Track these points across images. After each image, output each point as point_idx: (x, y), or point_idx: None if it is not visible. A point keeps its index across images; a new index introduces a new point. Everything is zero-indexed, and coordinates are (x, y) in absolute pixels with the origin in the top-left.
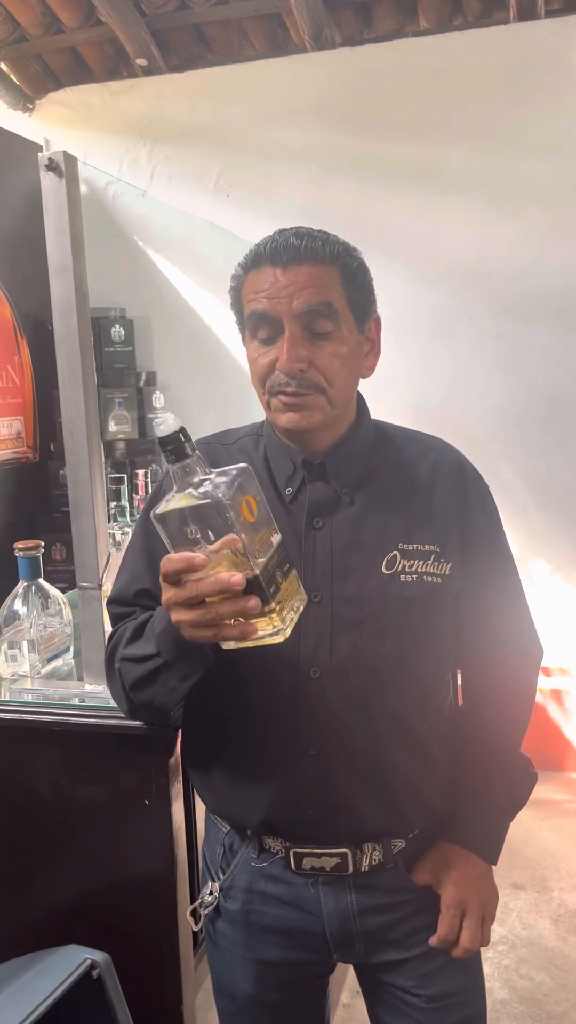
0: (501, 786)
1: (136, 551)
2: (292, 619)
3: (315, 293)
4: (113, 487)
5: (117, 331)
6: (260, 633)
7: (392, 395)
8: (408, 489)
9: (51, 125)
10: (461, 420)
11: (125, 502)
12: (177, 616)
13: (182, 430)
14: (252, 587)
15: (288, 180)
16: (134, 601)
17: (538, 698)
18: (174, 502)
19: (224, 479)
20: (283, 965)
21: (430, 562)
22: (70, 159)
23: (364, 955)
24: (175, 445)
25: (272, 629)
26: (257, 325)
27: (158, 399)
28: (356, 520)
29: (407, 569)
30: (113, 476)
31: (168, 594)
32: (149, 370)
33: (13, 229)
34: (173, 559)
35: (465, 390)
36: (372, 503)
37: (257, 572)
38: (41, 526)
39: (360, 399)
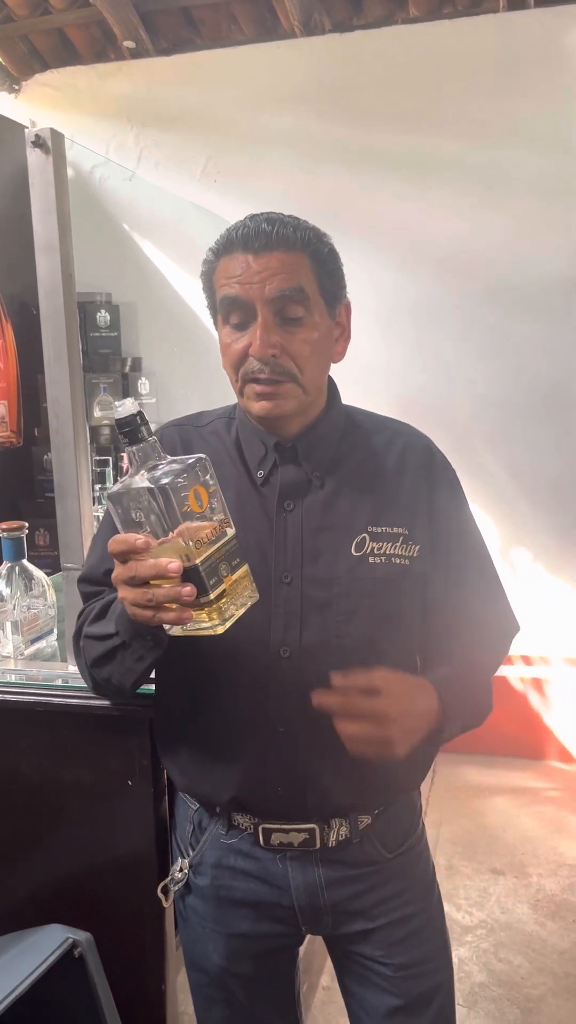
0: (473, 683)
1: (105, 531)
2: (234, 615)
3: (287, 279)
4: (98, 470)
5: (103, 316)
6: (197, 624)
7: (377, 385)
8: (378, 473)
9: (37, 107)
10: (446, 410)
11: (110, 484)
12: (122, 593)
13: (139, 414)
14: (190, 576)
15: (276, 167)
16: (103, 580)
17: (519, 687)
18: (124, 485)
19: (176, 466)
20: (253, 938)
21: (398, 544)
22: (57, 136)
23: (332, 927)
24: (131, 428)
25: (208, 622)
26: (229, 310)
27: (144, 385)
28: (326, 503)
29: (376, 551)
30: (98, 459)
31: (115, 571)
32: (135, 356)
33: None
34: (117, 539)
35: (450, 380)
36: (342, 486)
37: (197, 563)
38: (25, 511)
39: (331, 384)
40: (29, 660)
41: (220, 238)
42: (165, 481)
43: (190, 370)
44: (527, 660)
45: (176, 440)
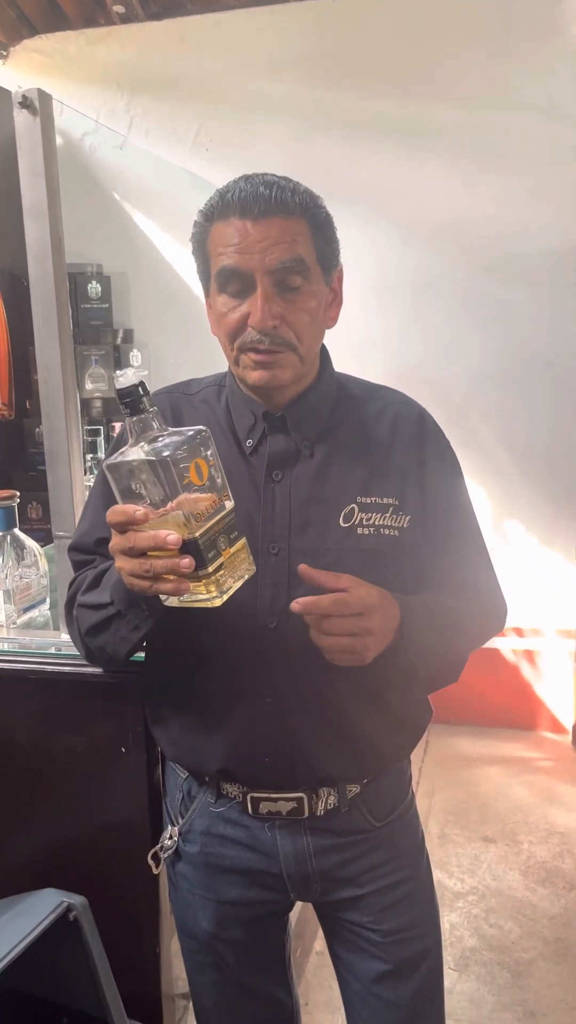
0: (459, 617)
1: (97, 499)
2: (232, 588)
3: (287, 249)
4: (89, 439)
5: (94, 287)
6: (195, 596)
7: (372, 356)
8: (368, 442)
9: (25, 73)
10: (441, 381)
11: (102, 454)
12: (119, 563)
13: (141, 384)
14: (189, 548)
15: (269, 135)
16: (95, 549)
17: (511, 658)
18: (125, 455)
19: (177, 438)
20: (242, 904)
21: (388, 515)
22: (44, 96)
23: (321, 894)
24: (132, 399)
25: (206, 594)
26: (227, 280)
27: (135, 357)
28: (316, 473)
29: (364, 522)
30: (89, 429)
31: (113, 541)
32: (126, 327)
33: None
34: (116, 511)
35: (446, 351)
36: (332, 456)
37: (196, 535)
38: (17, 484)
39: (324, 352)
40: (22, 629)
41: (212, 200)
42: (166, 453)
43: (182, 341)
44: (519, 632)
45: (166, 407)
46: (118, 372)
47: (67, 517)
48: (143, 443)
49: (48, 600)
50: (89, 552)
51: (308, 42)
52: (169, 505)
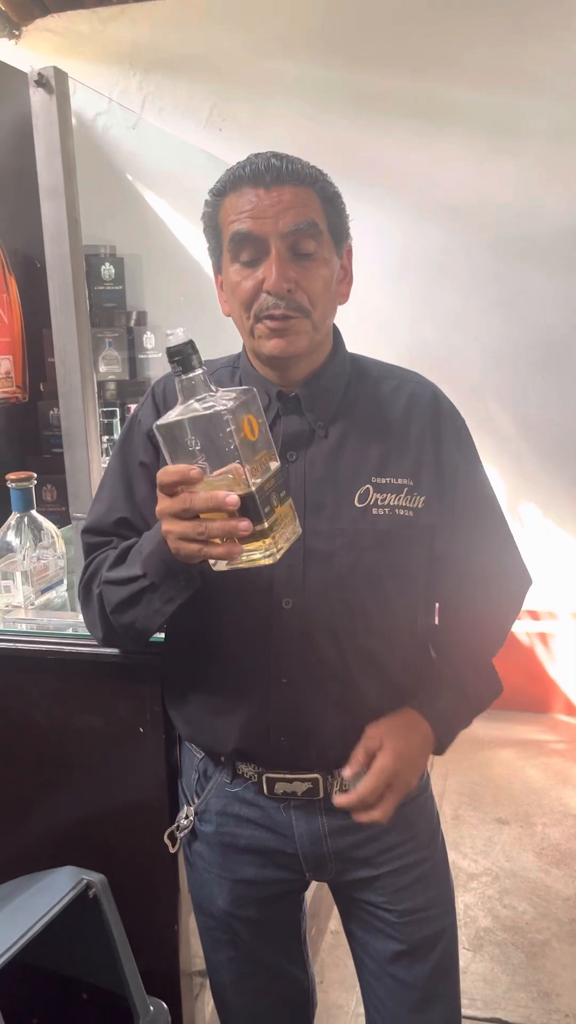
0: (470, 683)
1: (114, 479)
2: (283, 547)
3: (300, 213)
4: (105, 421)
5: (107, 269)
6: (250, 555)
7: (385, 337)
8: (383, 423)
9: (38, 53)
10: (455, 362)
11: (117, 436)
12: (168, 526)
13: (191, 342)
14: (246, 505)
15: (283, 114)
16: (113, 531)
17: (525, 641)
18: (177, 414)
19: (229, 395)
20: (258, 883)
21: (403, 496)
22: (60, 75)
23: (336, 874)
24: (183, 356)
25: (264, 550)
26: (240, 246)
27: (149, 339)
28: (330, 454)
29: (379, 503)
30: (105, 410)
31: (162, 504)
32: (140, 310)
33: (0, 162)
34: (169, 470)
35: (461, 332)
36: (346, 437)
37: (252, 490)
38: (32, 467)
39: (336, 332)
40: (39, 610)
41: (224, 177)
42: (223, 408)
43: (196, 324)
44: (534, 615)
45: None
46: (169, 332)
47: (84, 499)
48: (193, 402)
49: (65, 581)
50: (106, 533)
51: (323, 21)
52: (225, 468)
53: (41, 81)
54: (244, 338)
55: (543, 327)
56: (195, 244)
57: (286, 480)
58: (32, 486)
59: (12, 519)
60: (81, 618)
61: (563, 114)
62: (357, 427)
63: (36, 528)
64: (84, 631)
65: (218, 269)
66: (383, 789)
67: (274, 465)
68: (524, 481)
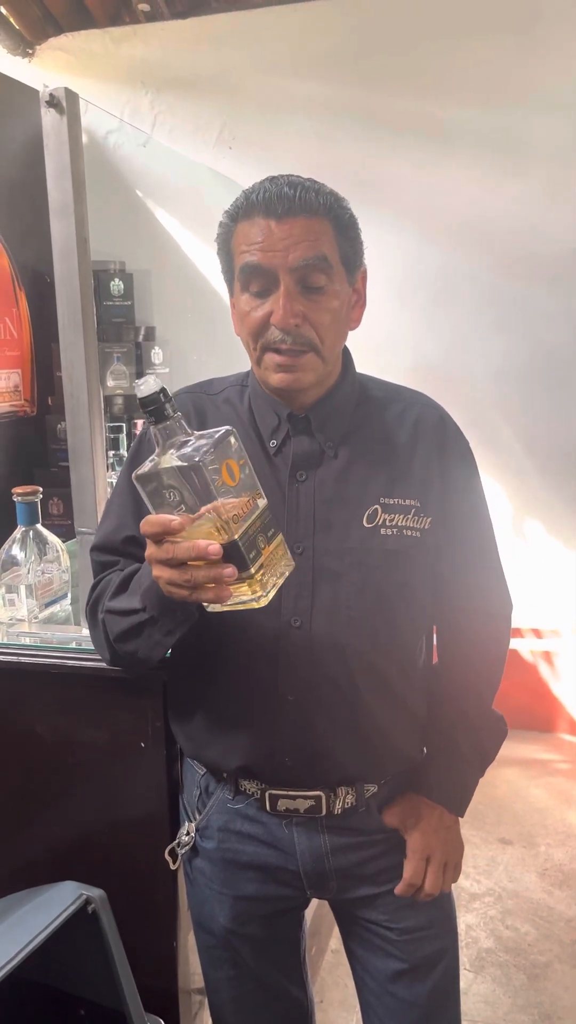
0: (469, 742)
1: (122, 498)
2: (275, 584)
3: (310, 247)
4: (112, 436)
5: (116, 285)
6: (239, 598)
7: (392, 355)
8: (391, 444)
9: (51, 71)
10: (461, 381)
11: (124, 451)
12: (156, 572)
13: (163, 391)
14: (230, 553)
15: (292, 133)
16: (122, 549)
17: (529, 659)
18: (154, 464)
19: (205, 442)
20: (259, 900)
21: (410, 516)
22: (71, 95)
23: (338, 891)
24: (156, 406)
25: (251, 595)
26: (250, 278)
27: (157, 354)
28: (339, 474)
29: (388, 523)
30: (112, 426)
31: (149, 550)
32: (148, 325)
33: (11, 177)
34: (151, 521)
35: (466, 350)
36: (355, 457)
37: (236, 538)
38: (39, 480)
39: (346, 353)
40: (43, 623)
41: (237, 201)
42: (197, 459)
43: (204, 339)
44: (537, 632)
45: (189, 408)
46: (138, 380)
47: (90, 514)
48: (171, 450)
49: (69, 595)
50: (114, 552)
51: (332, 40)
52: (202, 509)
53: (52, 102)
54: (252, 365)
55: (547, 345)
56: (204, 260)
57: (279, 513)
58: (38, 500)
59: (17, 533)
60: (84, 632)
61: (568, 134)
62: (366, 448)
63: (41, 542)
64: (87, 645)
65: (230, 292)
66: (424, 865)
67: (261, 503)
68: (528, 498)
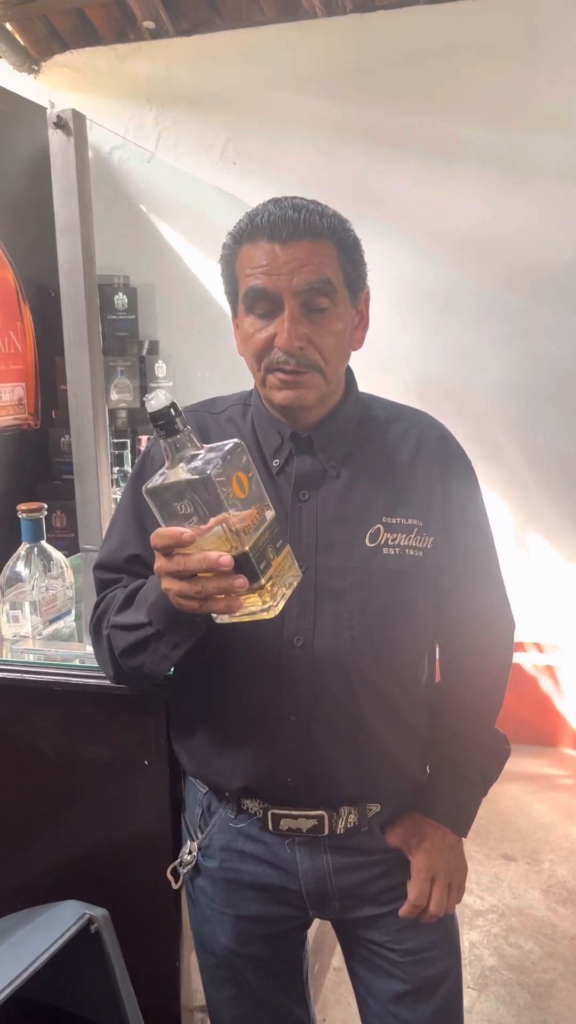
0: (472, 763)
1: (125, 516)
2: (284, 595)
3: (314, 270)
4: (116, 452)
5: (120, 299)
6: (249, 608)
7: (395, 370)
8: (393, 463)
9: (56, 88)
10: (464, 395)
11: (128, 467)
12: (166, 584)
13: (172, 405)
14: (241, 564)
15: (296, 150)
16: (125, 567)
17: (532, 673)
18: (164, 477)
19: (215, 455)
20: (261, 920)
21: (412, 536)
22: (79, 117)
23: (340, 911)
24: (166, 420)
25: (262, 605)
26: (254, 301)
27: (161, 368)
28: (342, 493)
29: (390, 542)
30: (116, 442)
31: (159, 563)
32: (152, 339)
33: (17, 193)
34: (162, 534)
35: (469, 365)
36: (357, 477)
37: (246, 549)
38: (42, 493)
39: (349, 373)
40: (47, 640)
41: (241, 223)
42: (208, 471)
43: (207, 353)
44: (540, 647)
45: (192, 426)
46: (147, 396)
47: (94, 531)
48: (181, 464)
49: (73, 611)
50: (118, 571)
51: (335, 58)
52: (212, 521)
53: (60, 123)
54: (256, 385)
55: (551, 360)
56: (207, 275)
57: (283, 528)
58: (43, 516)
59: (22, 549)
60: (88, 649)
61: (570, 151)
62: (368, 467)
63: (46, 558)
64: (91, 662)
65: (234, 312)
66: (429, 886)
67: (269, 515)
68: (531, 512)
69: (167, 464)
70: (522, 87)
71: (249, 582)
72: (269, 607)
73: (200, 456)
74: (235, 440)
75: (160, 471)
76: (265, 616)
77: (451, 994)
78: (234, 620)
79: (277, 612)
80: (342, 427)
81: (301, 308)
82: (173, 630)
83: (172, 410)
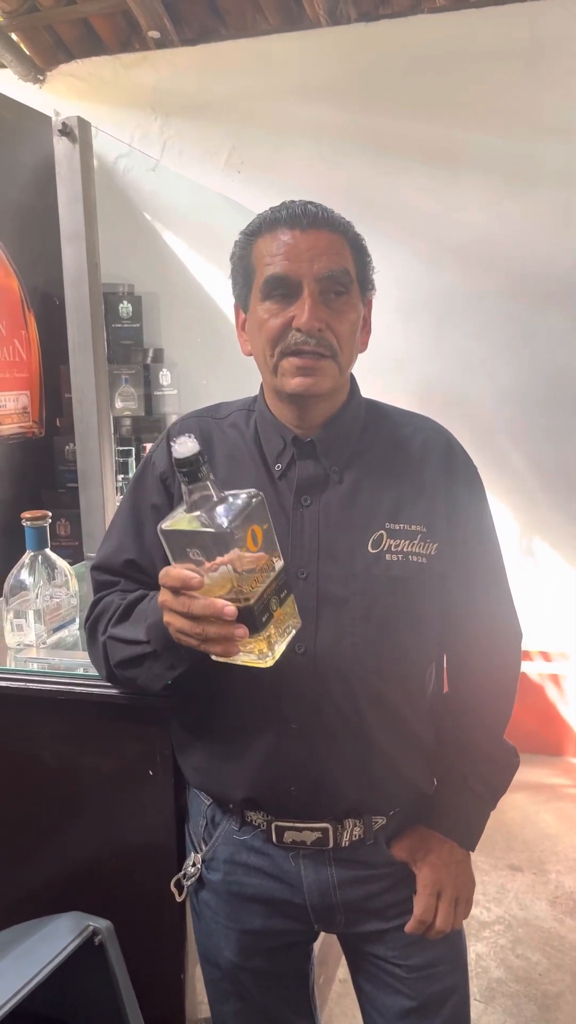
0: (480, 776)
1: (124, 521)
2: (283, 644)
3: (334, 259)
4: (121, 460)
5: (125, 307)
6: (245, 656)
7: (400, 376)
8: (397, 469)
9: (61, 97)
10: (469, 402)
11: (132, 475)
12: (168, 619)
13: (200, 453)
14: (243, 615)
15: (300, 158)
16: (122, 571)
17: (537, 682)
18: (181, 522)
19: (232, 507)
20: (265, 934)
21: (416, 542)
22: (84, 124)
23: (346, 925)
24: (190, 468)
25: (257, 655)
26: (273, 288)
27: (165, 376)
28: (344, 499)
29: (393, 548)
30: (120, 449)
31: (163, 596)
32: (156, 347)
33: (22, 202)
34: (171, 575)
35: (472, 372)
36: (360, 482)
37: (251, 603)
38: (46, 501)
39: (352, 379)
40: (51, 649)
41: (258, 219)
42: (225, 527)
43: (211, 360)
44: (546, 655)
45: (196, 432)
46: (175, 440)
47: (99, 538)
48: (200, 512)
49: (77, 620)
50: (116, 573)
51: (340, 66)
52: (219, 560)
53: (65, 131)
54: (265, 377)
55: (555, 367)
56: (212, 283)
57: (287, 579)
58: (47, 525)
59: (26, 557)
60: (88, 656)
61: (573, 158)
62: (371, 473)
63: (50, 567)
64: (95, 671)
65: (244, 308)
66: (435, 901)
67: (278, 565)
68: (536, 520)
69: (184, 506)
70: (526, 95)
71: (249, 632)
72: (266, 658)
73: (218, 507)
74: (252, 491)
75: (177, 511)
76: (260, 665)
77: (458, 1010)
78: (229, 662)
79: (272, 663)
80: (345, 432)
81: (320, 294)
82: (169, 652)
83: (199, 458)
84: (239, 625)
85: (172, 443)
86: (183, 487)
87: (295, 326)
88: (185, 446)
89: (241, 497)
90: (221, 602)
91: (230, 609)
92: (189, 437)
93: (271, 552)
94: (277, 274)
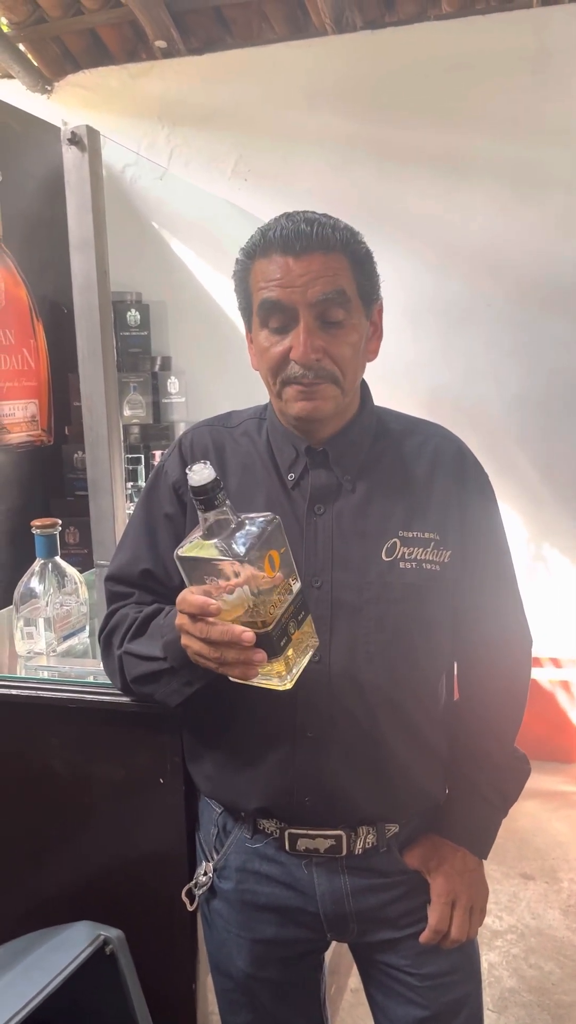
0: (491, 783)
1: (138, 529)
2: (301, 665)
3: (329, 282)
4: (130, 467)
5: (133, 315)
6: (263, 679)
7: (409, 383)
8: (409, 477)
9: (69, 107)
10: (478, 409)
11: (142, 482)
12: (186, 641)
13: (216, 480)
14: (262, 641)
15: (307, 165)
16: (138, 582)
17: (548, 688)
18: (197, 548)
19: (249, 534)
20: (278, 943)
21: (429, 550)
22: (92, 133)
23: (358, 934)
24: (207, 496)
25: (276, 677)
26: (269, 314)
27: (173, 384)
28: (357, 507)
29: (407, 556)
30: (129, 457)
31: (181, 619)
32: (164, 355)
33: (30, 212)
34: (189, 601)
35: (482, 378)
36: (373, 490)
37: (270, 628)
38: (55, 509)
39: (364, 387)
40: (61, 657)
41: (254, 238)
42: (243, 555)
43: (219, 369)
44: (556, 662)
45: (208, 442)
46: (190, 468)
47: (108, 546)
48: (217, 539)
49: (87, 628)
50: (131, 584)
51: (347, 74)
52: (235, 582)
53: (74, 139)
54: (271, 398)
55: (564, 372)
56: (219, 291)
57: (304, 600)
58: (57, 532)
59: (36, 565)
60: (102, 666)
61: None
62: (384, 481)
63: (60, 574)
64: (105, 679)
65: (248, 328)
66: (450, 910)
67: (296, 587)
68: (545, 525)
69: (200, 531)
70: (532, 102)
71: (268, 657)
72: (284, 680)
73: (236, 533)
74: (269, 515)
75: (193, 535)
76: (279, 688)
77: (471, 1019)
78: (247, 683)
79: (291, 686)
80: (357, 440)
81: (316, 320)
82: (187, 669)
83: (216, 484)
84: (257, 650)
85: (188, 471)
86: (199, 513)
87: (292, 358)
88: (201, 474)
89: (258, 522)
90: (239, 628)
91: (248, 635)
92: (205, 465)
93: (289, 575)
94: (270, 299)
